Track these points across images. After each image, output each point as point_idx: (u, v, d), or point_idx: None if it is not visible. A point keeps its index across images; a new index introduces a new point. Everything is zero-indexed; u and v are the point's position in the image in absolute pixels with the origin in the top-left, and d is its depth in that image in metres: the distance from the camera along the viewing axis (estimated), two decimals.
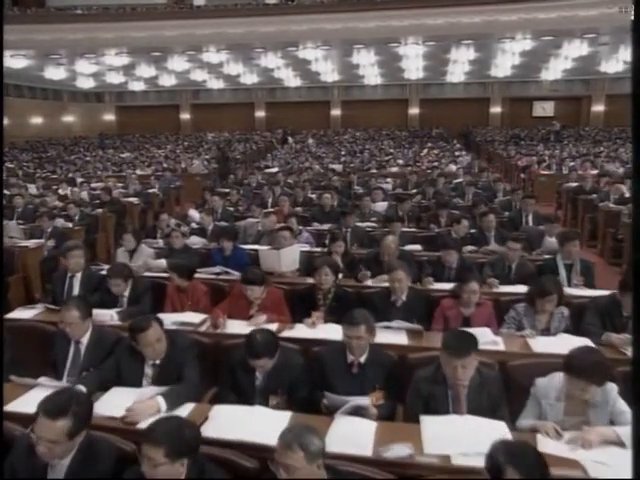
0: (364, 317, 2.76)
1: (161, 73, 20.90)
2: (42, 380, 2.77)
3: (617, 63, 19.07)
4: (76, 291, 4.05)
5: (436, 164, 12.12)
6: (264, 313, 3.55)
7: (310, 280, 4.44)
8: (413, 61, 19.89)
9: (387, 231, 5.71)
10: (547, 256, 4.82)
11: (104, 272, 4.66)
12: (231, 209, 7.19)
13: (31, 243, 6.07)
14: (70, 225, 6.84)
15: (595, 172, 10.38)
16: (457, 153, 15.09)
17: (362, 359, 2.80)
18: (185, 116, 26.99)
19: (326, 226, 6.30)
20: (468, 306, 3.61)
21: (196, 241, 5.52)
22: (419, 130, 23.91)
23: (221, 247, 4.94)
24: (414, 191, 8.61)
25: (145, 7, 17.01)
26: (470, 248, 5.26)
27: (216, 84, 23.80)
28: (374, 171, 11.50)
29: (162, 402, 2.50)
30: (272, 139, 21.61)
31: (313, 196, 7.99)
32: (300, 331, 3.37)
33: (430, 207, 7.26)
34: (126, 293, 3.85)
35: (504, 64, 20.02)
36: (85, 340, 3.10)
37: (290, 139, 20.82)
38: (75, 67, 18.58)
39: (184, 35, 16.15)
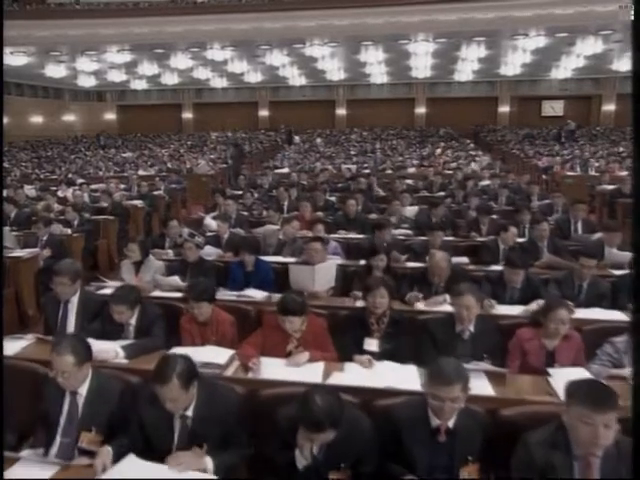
0: (458, 372, 2.06)
1: (164, 71, 20.29)
2: (25, 454, 2.06)
3: (630, 61, 18.38)
4: (72, 319, 3.32)
5: (454, 164, 11.43)
6: (305, 349, 2.84)
7: (347, 301, 3.77)
8: (422, 59, 19.24)
9: (425, 240, 5.07)
10: (618, 272, 4.12)
11: (106, 290, 3.99)
12: (245, 214, 6.48)
13: (25, 253, 5.32)
14: (69, 231, 6.11)
15: (625, 173, 9.67)
16: (472, 153, 14.38)
17: (450, 423, 2.10)
18: (187, 115, 26.31)
19: (352, 234, 5.62)
20: (554, 338, 2.91)
21: (210, 252, 4.80)
22: (426, 129, 23.21)
23: (241, 261, 4.22)
24: (440, 193, 7.92)
25: (147, 2, 16.29)
26: None
27: (219, 82, 23.14)
28: (389, 171, 10.79)
29: (209, 460, 2.05)
30: (277, 138, 20.87)
31: (332, 199, 7.30)
32: (354, 375, 2.65)
33: (462, 212, 6.56)
34: (133, 321, 3.12)
35: (514, 62, 19.38)
36: (83, 391, 2.37)
37: (297, 138, 20.08)
38: (76, 65, 17.91)
39: (187, 31, 15.53)
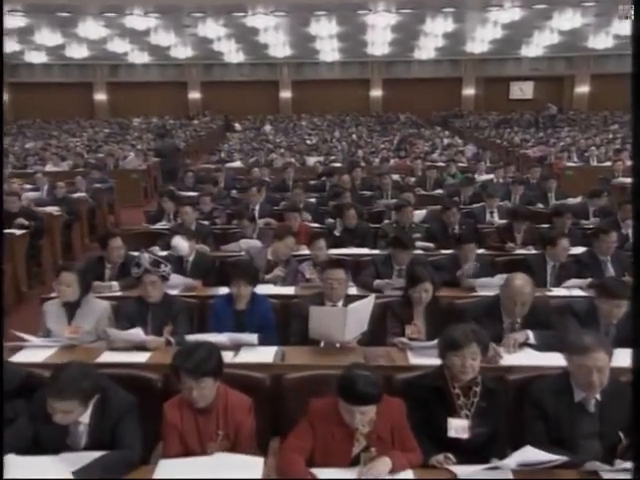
0: None
1: (69, 41, 18.91)
2: None
3: (607, 37, 18.87)
4: None
5: (435, 155, 11.00)
6: (378, 449, 2.04)
7: (397, 355, 2.97)
8: (380, 33, 18.94)
9: (451, 254, 4.41)
10: None
11: (27, 353, 3.01)
12: (206, 223, 5.55)
13: None
14: None
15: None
16: (449, 141, 14.06)
17: None
18: (100, 97, 24.63)
19: (353, 249, 4.89)
20: None
21: (176, 282, 3.84)
22: (384, 115, 22.89)
23: (229, 295, 3.33)
24: (439, 191, 7.35)
25: None
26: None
27: (140, 58, 21.99)
28: (363, 164, 10.15)
29: None
30: (213, 125, 19.82)
31: (312, 200, 6.54)
32: None
33: (477, 214, 5.99)
34: (85, 419, 2.17)
35: (483, 38, 19.45)
36: None
37: (238, 125, 19.11)
38: None
39: None
